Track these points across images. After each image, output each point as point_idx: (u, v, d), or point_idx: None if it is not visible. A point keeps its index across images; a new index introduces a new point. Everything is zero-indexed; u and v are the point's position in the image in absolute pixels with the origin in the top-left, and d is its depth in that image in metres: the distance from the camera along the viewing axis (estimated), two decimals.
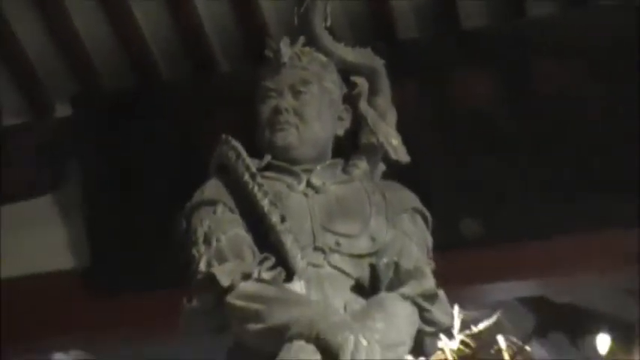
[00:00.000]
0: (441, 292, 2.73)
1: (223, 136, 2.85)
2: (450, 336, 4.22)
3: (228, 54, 4.78)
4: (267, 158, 2.81)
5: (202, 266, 2.59)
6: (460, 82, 4.39)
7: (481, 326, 4.88)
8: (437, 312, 2.70)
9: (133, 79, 4.85)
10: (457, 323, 4.55)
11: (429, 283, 2.71)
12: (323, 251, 2.66)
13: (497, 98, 4.32)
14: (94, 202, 4.72)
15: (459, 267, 3.75)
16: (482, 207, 4.25)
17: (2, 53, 4.86)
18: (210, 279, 2.54)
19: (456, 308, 3.42)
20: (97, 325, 4.56)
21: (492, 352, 4.97)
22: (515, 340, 5.12)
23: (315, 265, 2.63)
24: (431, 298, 2.68)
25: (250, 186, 2.69)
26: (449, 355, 4.62)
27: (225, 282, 2.52)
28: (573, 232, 4.11)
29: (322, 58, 2.91)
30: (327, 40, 2.95)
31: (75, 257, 4.68)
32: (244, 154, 2.77)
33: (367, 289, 2.68)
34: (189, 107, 4.70)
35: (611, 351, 5.27)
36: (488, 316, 5.02)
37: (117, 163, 4.74)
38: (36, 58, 4.87)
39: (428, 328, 2.70)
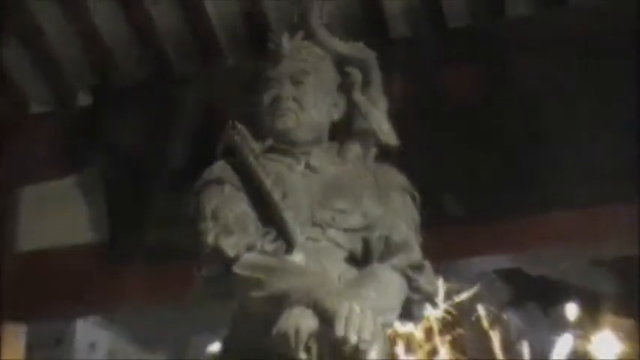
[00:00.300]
0: (427, 264, 2.73)
1: (230, 121, 2.83)
2: (435, 305, 4.22)
3: (234, 48, 4.75)
4: (269, 142, 2.81)
5: (210, 239, 2.58)
6: (447, 76, 4.36)
7: (463, 296, 4.89)
8: (423, 281, 2.70)
9: (148, 72, 4.83)
10: (441, 294, 4.54)
11: (417, 255, 2.71)
12: (320, 226, 2.66)
13: (480, 90, 4.30)
14: (113, 184, 4.70)
15: (443, 243, 3.73)
16: (464, 189, 4.24)
17: (31, 50, 4.84)
18: (218, 251, 2.53)
19: (441, 280, 3.41)
20: (114, 294, 4.54)
21: (473, 319, 4.96)
22: (493, 309, 5.12)
23: (313, 239, 2.63)
24: (418, 268, 2.68)
25: (254, 167, 2.68)
26: (434, 322, 4.63)
27: (231, 253, 2.51)
28: (545, 213, 4.10)
29: (319, 51, 2.90)
30: (323, 35, 2.94)
31: (95, 232, 4.66)
32: (249, 137, 2.75)
33: (359, 260, 2.67)
34: (199, 97, 4.67)
35: (578, 319, 5.28)
36: (469, 287, 5.02)
37: (133, 148, 4.72)
38: (61, 52, 4.84)
39: (415, 296, 2.70)
